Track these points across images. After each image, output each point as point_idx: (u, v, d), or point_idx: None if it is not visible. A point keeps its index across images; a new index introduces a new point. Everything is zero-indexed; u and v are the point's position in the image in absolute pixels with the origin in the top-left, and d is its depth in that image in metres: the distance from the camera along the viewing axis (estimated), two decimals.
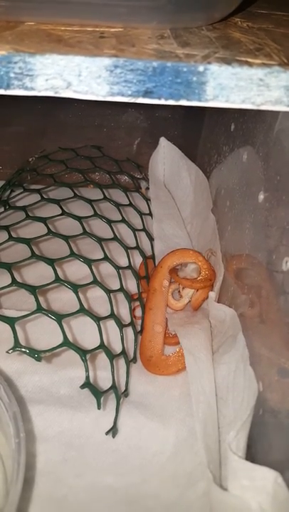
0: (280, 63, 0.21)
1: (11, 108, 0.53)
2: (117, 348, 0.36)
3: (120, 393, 0.33)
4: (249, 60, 0.21)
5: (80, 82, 0.21)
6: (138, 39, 0.23)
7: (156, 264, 0.43)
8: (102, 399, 0.31)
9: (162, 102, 0.22)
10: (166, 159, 0.53)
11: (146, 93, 0.21)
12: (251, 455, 0.29)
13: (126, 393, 0.34)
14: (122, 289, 0.38)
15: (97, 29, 0.24)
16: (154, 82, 0.21)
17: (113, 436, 0.32)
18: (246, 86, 0.21)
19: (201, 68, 0.21)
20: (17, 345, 0.29)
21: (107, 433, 0.31)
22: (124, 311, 0.40)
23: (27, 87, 0.22)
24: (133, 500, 0.29)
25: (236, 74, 0.21)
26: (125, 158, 0.54)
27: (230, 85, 0.21)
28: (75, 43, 0.22)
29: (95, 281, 0.36)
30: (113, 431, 0.32)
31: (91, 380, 0.33)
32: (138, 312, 0.40)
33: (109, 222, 0.43)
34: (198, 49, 0.22)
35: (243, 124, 0.38)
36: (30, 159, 0.51)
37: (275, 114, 0.30)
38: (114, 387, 0.33)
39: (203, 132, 0.54)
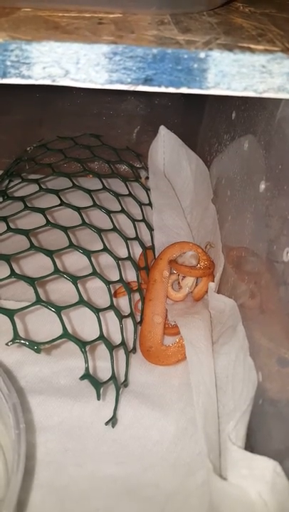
0: (282, 49, 0.21)
1: (9, 97, 0.53)
2: (117, 338, 0.36)
3: (120, 384, 0.33)
4: (251, 46, 0.21)
5: (78, 70, 0.21)
6: (137, 25, 0.23)
7: (156, 255, 0.43)
8: (101, 390, 0.31)
9: (162, 89, 0.21)
10: (166, 148, 0.53)
11: (146, 81, 0.21)
12: (251, 444, 0.29)
13: (126, 383, 0.35)
14: (121, 280, 0.38)
15: (96, 15, 0.24)
16: (154, 70, 0.21)
17: (113, 426, 0.32)
18: (248, 73, 0.20)
19: (202, 55, 0.20)
20: (16, 337, 0.29)
21: (106, 423, 0.32)
22: (123, 302, 0.40)
23: (24, 76, 0.21)
24: (133, 490, 0.29)
25: (238, 61, 0.20)
26: (125, 147, 0.53)
27: (232, 72, 0.21)
28: (72, 29, 0.22)
29: (95, 273, 0.36)
30: (113, 421, 0.32)
31: (91, 371, 0.33)
32: (140, 306, 0.40)
33: (109, 212, 0.43)
34: (200, 35, 0.22)
35: (244, 112, 0.37)
36: (28, 148, 0.50)
37: (277, 101, 0.29)
38: (113, 377, 0.33)
39: (204, 120, 0.53)
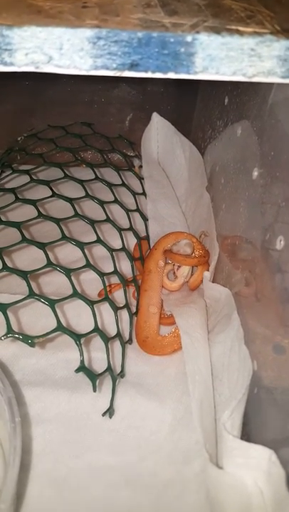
0: (272, 31, 0.20)
1: None
2: (113, 330, 0.36)
3: (116, 374, 0.33)
4: (240, 28, 0.20)
5: (61, 56, 0.20)
6: (123, 8, 0.22)
7: (151, 246, 0.43)
8: (97, 381, 0.31)
9: (149, 74, 0.21)
10: (160, 136, 0.52)
11: (132, 66, 0.20)
12: (247, 432, 0.29)
13: (122, 374, 0.34)
14: (115, 272, 0.38)
15: None
16: (139, 54, 0.20)
17: (110, 417, 0.32)
18: (237, 57, 0.20)
19: (189, 38, 0.20)
20: (10, 331, 0.29)
21: (103, 414, 0.32)
22: (118, 294, 0.40)
23: (6, 63, 0.20)
24: (131, 479, 0.29)
25: (226, 44, 0.20)
26: (117, 135, 0.53)
27: (220, 56, 0.20)
28: (55, 13, 0.21)
29: (88, 265, 0.36)
30: (110, 412, 0.32)
31: (87, 362, 0.33)
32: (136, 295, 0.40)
33: (102, 203, 0.42)
34: (187, 18, 0.21)
35: (236, 97, 0.37)
36: (18, 139, 0.49)
37: (269, 85, 0.29)
38: (109, 369, 0.32)
39: (197, 106, 0.53)
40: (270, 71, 0.20)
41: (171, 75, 0.20)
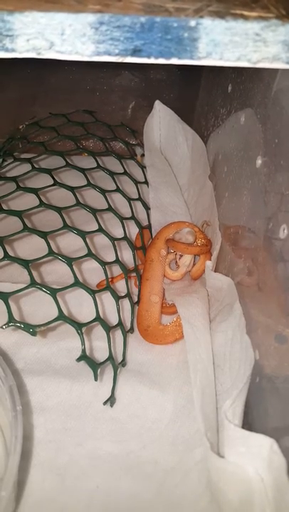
0: (277, 16, 0.20)
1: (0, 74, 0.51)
2: (114, 319, 0.36)
3: (118, 363, 0.33)
4: (244, 13, 0.20)
5: (63, 42, 0.20)
6: None
7: (153, 235, 0.42)
8: (98, 370, 0.31)
9: (152, 60, 0.20)
10: (162, 124, 0.51)
11: (135, 51, 0.20)
12: (249, 421, 0.29)
13: (123, 363, 0.35)
14: (117, 261, 0.38)
15: None
16: (142, 40, 0.20)
17: (111, 406, 0.32)
18: (241, 42, 0.19)
19: (192, 23, 0.19)
20: (11, 320, 0.29)
21: (105, 403, 0.32)
22: (120, 283, 0.40)
23: (7, 49, 0.20)
24: (132, 467, 0.30)
25: (230, 29, 0.19)
26: (119, 123, 0.52)
27: (225, 41, 0.20)
28: None
29: (90, 254, 0.36)
30: (111, 400, 0.32)
31: (88, 351, 0.33)
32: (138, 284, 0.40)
33: (104, 192, 0.42)
34: (190, 2, 0.21)
35: (240, 85, 0.36)
36: (20, 127, 0.49)
37: (273, 72, 0.28)
38: (111, 358, 0.33)
39: (200, 94, 0.52)
40: (275, 56, 0.20)
41: (174, 61, 0.20)
